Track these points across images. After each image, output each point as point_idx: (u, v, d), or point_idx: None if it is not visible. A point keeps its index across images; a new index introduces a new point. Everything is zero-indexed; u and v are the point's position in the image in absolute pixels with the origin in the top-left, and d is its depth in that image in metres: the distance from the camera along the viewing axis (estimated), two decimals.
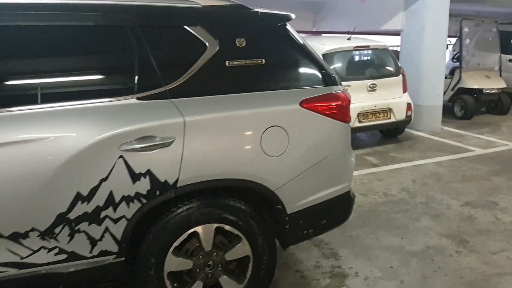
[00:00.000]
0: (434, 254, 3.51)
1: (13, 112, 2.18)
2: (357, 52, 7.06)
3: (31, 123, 2.18)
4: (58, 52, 2.35)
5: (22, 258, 2.23)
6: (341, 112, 2.70)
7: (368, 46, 6.90)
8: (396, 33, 8.90)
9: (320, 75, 2.74)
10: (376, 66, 7.09)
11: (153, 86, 2.39)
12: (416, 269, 3.30)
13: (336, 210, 2.88)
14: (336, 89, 2.76)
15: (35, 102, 2.22)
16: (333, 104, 2.68)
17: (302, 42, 2.76)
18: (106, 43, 2.40)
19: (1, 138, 2.12)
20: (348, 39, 6.82)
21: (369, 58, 7.24)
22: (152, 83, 2.39)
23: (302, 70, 2.76)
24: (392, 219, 4.19)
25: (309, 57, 2.74)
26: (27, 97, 2.26)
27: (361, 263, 3.39)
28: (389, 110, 6.66)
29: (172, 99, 2.40)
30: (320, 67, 2.75)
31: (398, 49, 8.92)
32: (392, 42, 8.09)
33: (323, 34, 10.49)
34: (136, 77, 2.37)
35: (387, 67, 7.05)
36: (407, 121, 6.93)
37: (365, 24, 8.54)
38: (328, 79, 2.76)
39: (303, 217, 2.70)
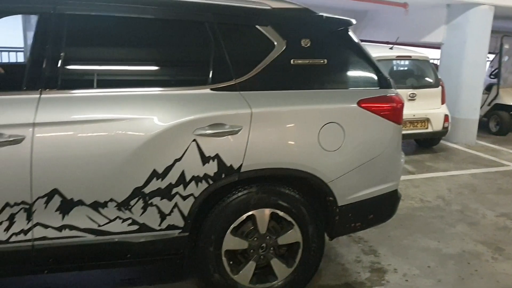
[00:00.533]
0: (470, 258, 3.64)
1: (110, 93, 2.44)
2: (398, 62, 7.19)
3: (121, 104, 2.43)
4: (147, 43, 2.61)
5: (99, 225, 2.48)
6: (394, 114, 2.88)
7: (410, 57, 7.03)
8: (436, 46, 8.97)
9: (376, 78, 2.92)
10: (416, 76, 7.21)
11: (225, 79, 2.61)
12: (453, 270, 3.43)
13: (384, 206, 3.04)
14: (391, 92, 2.93)
15: (128, 86, 2.49)
16: (388, 105, 2.86)
17: (361, 46, 2.95)
18: (186, 37, 2.64)
19: (96, 115, 2.38)
20: (390, 48, 6.96)
21: (410, 68, 7.36)
22: (224, 76, 2.61)
23: (360, 72, 2.95)
24: (429, 223, 4.32)
25: (367, 60, 2.93)
26: (124, 81, 2.54)
27: (400, 261, 3.54)
28: (427, 120, 6.76)
29: (241, 92, 2.62)
30: (376, 70, 2.93)
31: (436, 62, 8.97)
32: (430, 55, 8.15)
33: (362, 43, 10.59)
34: (211, 70, 2.60)
35: (427, 78, 7.15)
36: (443, 132, 7.01)
37: (405, 35, 8.64)
38: (384, 82, 2.94)
39: (353, 210, 2.87)
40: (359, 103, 2.78)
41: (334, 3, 9.11)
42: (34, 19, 2.94)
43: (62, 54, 2.40)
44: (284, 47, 2.72)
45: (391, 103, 2.87)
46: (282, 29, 2.74)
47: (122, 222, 2.50)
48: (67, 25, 2.42)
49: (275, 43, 2.71)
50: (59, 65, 2.39)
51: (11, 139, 2.25)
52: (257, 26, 2.70)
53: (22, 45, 8.63)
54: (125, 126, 2.41)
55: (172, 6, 2.61)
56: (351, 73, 2.94)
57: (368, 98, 2.81)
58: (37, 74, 2.36)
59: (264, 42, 2.71)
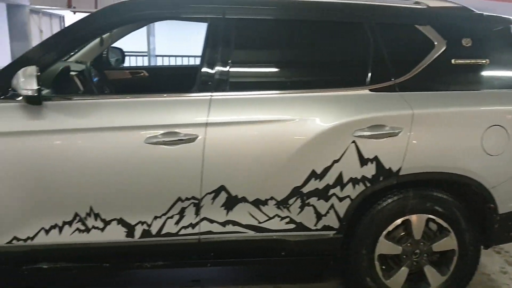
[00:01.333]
0: None
1: (273, 95, 2.52)
2: None
3: (285, 106, 2.49)
4: (308, 45, 2.66)
5: (259, 222, 2.55)
6: None
7: None
8: None
9: None
10: None
11: (384, 79, 2.58)
12: None
13: None
14: None
15: (290, 88, 2.55)
16: None
17: None
18: (345, 38, 2.65)
19: (262, 116, 2.46)
20: None
21: None
22: (383, 77, 2.58)
23: None
24: None
25: None
26: (286, 83, 2.61)
27: None
28: None
29: (400, 92, 2.57)
30: None
31: None
32: None
33: None
34: (370, 71, 2.58)
35: None
36: None
37: None
38: None
39: None
40: None
41: None
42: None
43: (230, 57, 2.51)
44: (445, 47, 2.63)
45: None
46: (441, 28, 2.65)
47: (280, 220, 2.56)
48: (235, 30, 2.53)
49: (435, 42, 2.63)
50: (228, 68, 2.50)
51: (186, 138, 2.40)
52: (416, 26, 2.64)
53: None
54: (288, 127, 2.46)
55: (332, 9, 2.63)
56: None
57: None
58: (208, 76, 2.48)
59: (424, 42, 2.63)
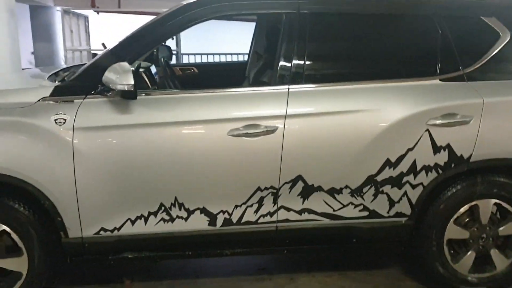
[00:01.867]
0: None
1: (347, 87, 2.61)
2: None
3: (359, 96, 2.58)
4: (380, 37, 2.75)
5: (334, 210, 2.64)
6: None
7: None
8: None
9: None
10: None
11: (453, 69, 2.66)
12: None
13: None
14: None
15: (363, 79, 2.64)
16: None
17: None
18: (415, 31, 2.73)
19: (337, 107, 2.55)
20: None
21: None
22: (452, 67, 2.66)
23: None
24: None
25: None
26: (359, 74, 2.69)
27: None
28: None
29: (469, 82, 2.65)
30: None
31: None
32: None
33: None
34: (439, 61, 2.66)
35: None
36: None
37: None
38: None
39: None
40: None
41: None
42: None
43: (305, 51, 2.60)
44: (509, 37, 2.71)
45: None
46: (506, 19, 2.73)
47: (354, 208, 2.65)
48: (309, 24, 2.61)
49: (500, 33, 2.71)
50: (303, 61, 2.59)
51: (266, 130, 2.48)
52: (482, 17, 2.72)
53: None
54: (363, 117, 2.55)
55: (404, 3, 2.72)
56: None
57: None
58: (285, 70, 2.57)
59: (489, 33, 2.71)
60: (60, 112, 2.40)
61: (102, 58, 2.55)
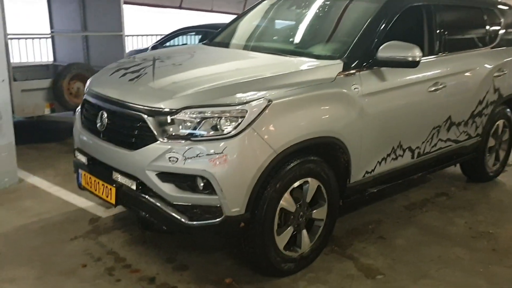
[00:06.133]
0: None
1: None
2: None
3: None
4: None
5: (457, 137, 4.02)
6: None
7: None
8: None
9: None
10: None
11: (492, 42, 4.37)
12: None
13: None
14: None
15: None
16: None
17: None
18: (477, 20, 4.30)
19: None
20: None
21: None
22: (492, 41, 4.36)
23: None
24: None
25: None
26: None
27: None
28: None
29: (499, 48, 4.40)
30: None
31: None
32: None
33: None
34: (488, 38, 4.33)
35: None
36: None
37: None
38: None
39: None
40: None
41: None
42: None
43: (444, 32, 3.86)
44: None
45: None
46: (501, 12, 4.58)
47: (464, 134, 4.09)
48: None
49: (501, 20, 4.55)
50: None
51: (442, 86, 3.67)
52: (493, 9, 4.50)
53: None
54: (470, 74, 4.01)
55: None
56: None
57: None
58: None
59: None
60: (354, 83, 3.03)
61: (363, 42, 3.19)
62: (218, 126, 2.56)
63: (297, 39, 3.69)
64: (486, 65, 4.16)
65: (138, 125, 2.68)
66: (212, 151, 2.51)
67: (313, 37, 3.61)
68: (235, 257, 3.17)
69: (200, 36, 7.09)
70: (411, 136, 3.55)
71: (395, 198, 4.24)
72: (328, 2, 3.75)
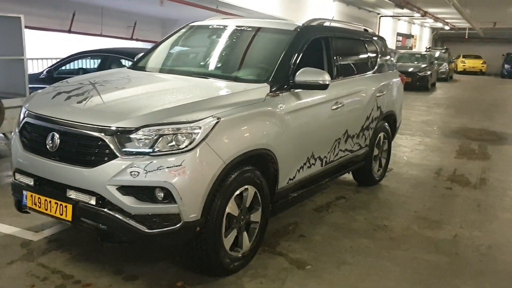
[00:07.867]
0: None
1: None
2: None
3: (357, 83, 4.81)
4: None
5: (352, 147, 4.78)
6: None
7: None
8: None
9: None
10: None
11: (372, 68, 5.24)
12: None
13: None
14: None
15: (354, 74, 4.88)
16: None
17: None
18: (359, 49, 5.13)
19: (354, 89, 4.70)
20: None
21: None
22: (372, 67, 5.24)
23: None
24: None
25: None
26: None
27: None
28: None
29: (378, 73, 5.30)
30: None
31: None
32: None
33: None
34: (370, 64, 5.19)
35: None
36: None
37: None
38: None
39: None
40: None
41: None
42: None
43: (334, 59, 4.59)
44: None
45: None
46: (377, 43, 5.51)
47: (357, 145, 4.86)
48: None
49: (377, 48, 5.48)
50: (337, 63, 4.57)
51: (341, 104, 4.37)
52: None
53: None
54: (363, 93, 4.80)
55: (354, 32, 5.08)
56: None
57: None
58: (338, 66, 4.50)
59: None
60: (279, 102, 3.55)
61: (283, 68, 3.72)
62: (175, 142, 2.87)
63: (227, 64, 4.14)
64: (371, 87, 5.00)
65: (96, 143, 2.87)
66: (172, 164, 2.81)
67: (240, 63, 4.05)
68: (179, 263, 3.46)
69: (99, 60, 7.14)
70: (320, 147, 4.17)
71: (304, 203, 4.83)
72: (247, 33, 4.24)
